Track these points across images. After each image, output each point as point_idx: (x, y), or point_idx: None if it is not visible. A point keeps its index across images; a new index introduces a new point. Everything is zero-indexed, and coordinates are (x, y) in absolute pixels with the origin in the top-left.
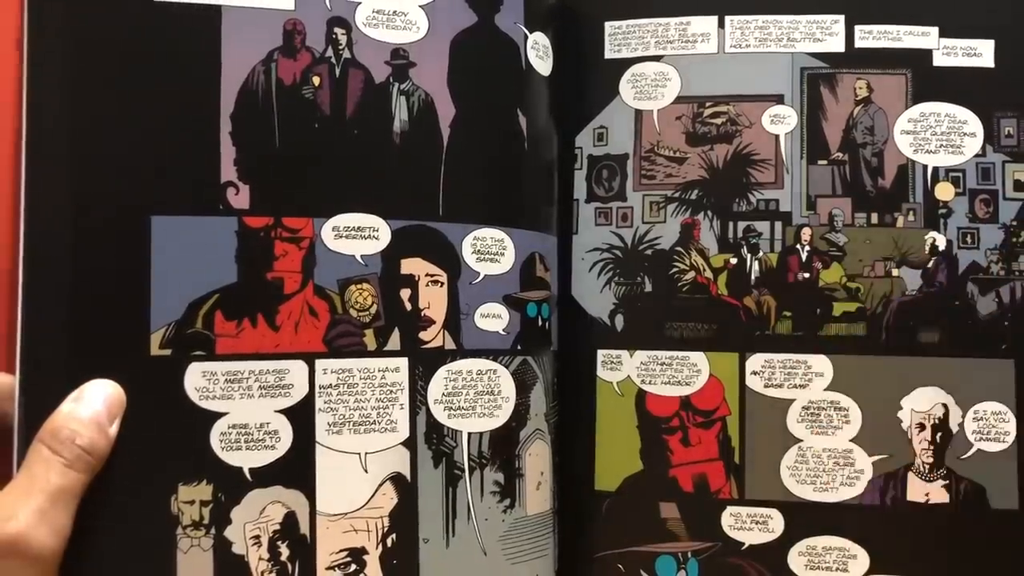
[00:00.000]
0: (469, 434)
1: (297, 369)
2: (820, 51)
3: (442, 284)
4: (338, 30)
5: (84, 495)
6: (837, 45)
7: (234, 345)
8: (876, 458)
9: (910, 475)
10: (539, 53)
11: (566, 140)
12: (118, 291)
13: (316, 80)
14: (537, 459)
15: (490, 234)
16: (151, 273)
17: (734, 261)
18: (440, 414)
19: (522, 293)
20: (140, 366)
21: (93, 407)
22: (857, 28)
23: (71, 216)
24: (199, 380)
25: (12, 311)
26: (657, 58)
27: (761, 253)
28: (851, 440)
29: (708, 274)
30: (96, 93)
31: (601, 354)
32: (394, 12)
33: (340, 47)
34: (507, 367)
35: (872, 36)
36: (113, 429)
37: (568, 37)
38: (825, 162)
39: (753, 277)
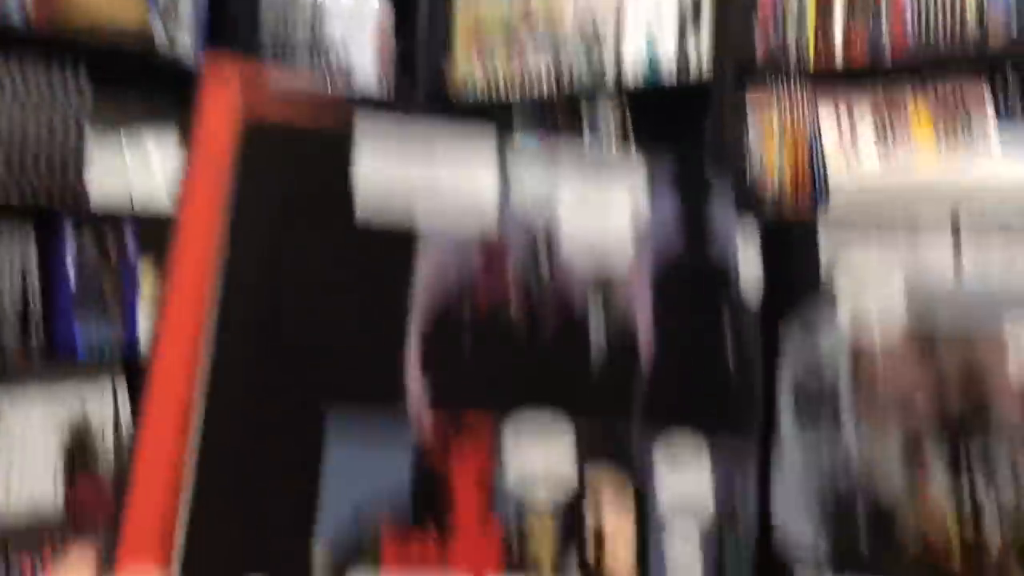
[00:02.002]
0: None
1: None
2: None
3: (629, 512)
4: (540, 255)
5: None
6: None
7: (400, 559)
8: None
9: None
10: (751, 285)
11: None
12: (286, 492)
13: (514, 305)
14: None
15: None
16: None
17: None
18: None
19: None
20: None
21: None
22: None
23: (249, 407)
24: None
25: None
26: None
27: None
28: None
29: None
30: (289, 296)
31: None
32: (598, 237)
33: (541, 273)
34: None
35: None
36: None
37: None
38: None
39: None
